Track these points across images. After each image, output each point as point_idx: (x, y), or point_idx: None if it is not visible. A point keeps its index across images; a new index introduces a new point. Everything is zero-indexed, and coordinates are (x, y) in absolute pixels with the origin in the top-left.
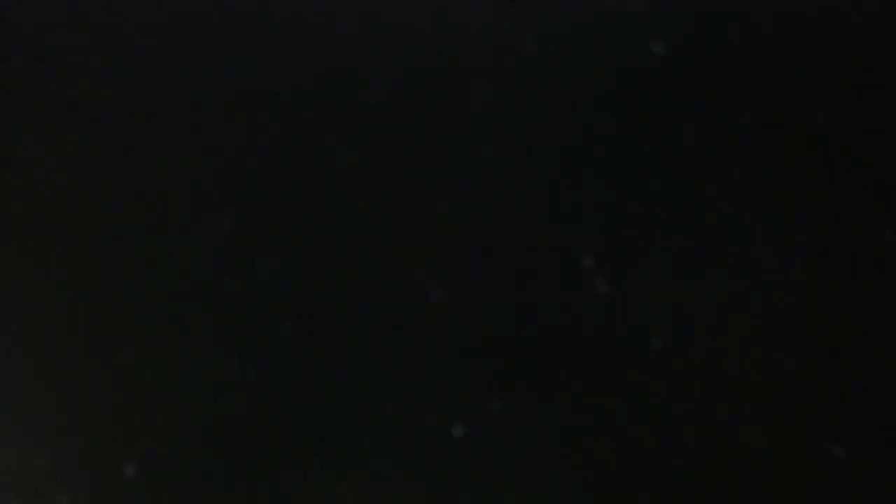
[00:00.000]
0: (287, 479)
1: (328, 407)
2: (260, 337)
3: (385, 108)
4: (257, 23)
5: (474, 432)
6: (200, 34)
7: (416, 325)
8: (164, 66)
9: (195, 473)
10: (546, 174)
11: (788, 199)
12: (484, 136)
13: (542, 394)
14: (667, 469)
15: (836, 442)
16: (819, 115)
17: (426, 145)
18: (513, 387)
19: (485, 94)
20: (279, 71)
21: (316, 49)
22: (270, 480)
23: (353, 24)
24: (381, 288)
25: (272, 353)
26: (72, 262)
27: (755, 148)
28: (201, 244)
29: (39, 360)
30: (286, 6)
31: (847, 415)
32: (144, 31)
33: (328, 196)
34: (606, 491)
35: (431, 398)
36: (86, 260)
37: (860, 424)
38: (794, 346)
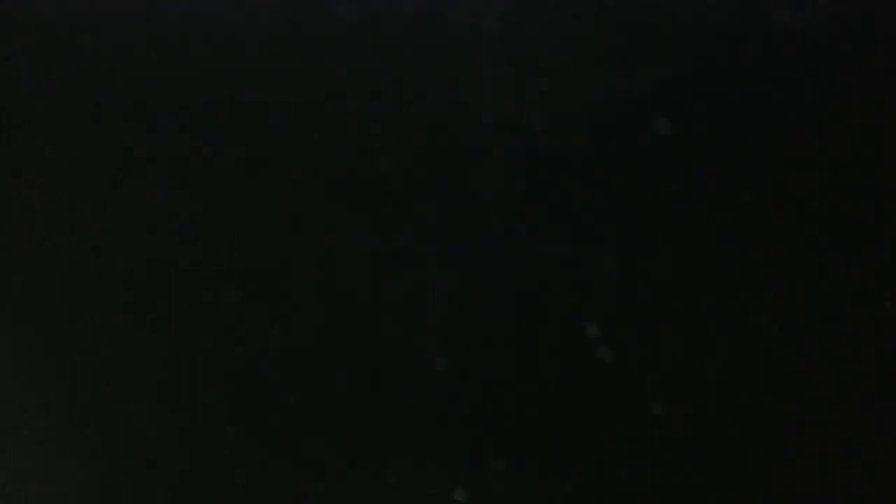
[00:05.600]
0: None
1: (331, 472)
2: (262, 404)
3: (390, 182)
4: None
5: (476, 496)
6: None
7: (419, 389)
8: (172, 133)
9: None
10: (550, 245)
11: (791, 271)
12: (488, 209)
13: (543, 458)
14: None
15: None
16: (826, 193)
17: (431, 218)
18: (514, 451)
19: (490, 169)
20: (292, 145)
21: (322, 123)
22: None
23: (359, 102)
24: (385, 353)
25: (274, 421)
26: (71, 328)
27: (758, 223)
28: (205, 312)
29: (38, 428)
30: (293, 88)
31: (844, 479)
32: (146, 105)
33: (334, 265)
34: None
35: (433, 461)
36: (85, 326)
37: (856, 489)
38: (794, 412)
